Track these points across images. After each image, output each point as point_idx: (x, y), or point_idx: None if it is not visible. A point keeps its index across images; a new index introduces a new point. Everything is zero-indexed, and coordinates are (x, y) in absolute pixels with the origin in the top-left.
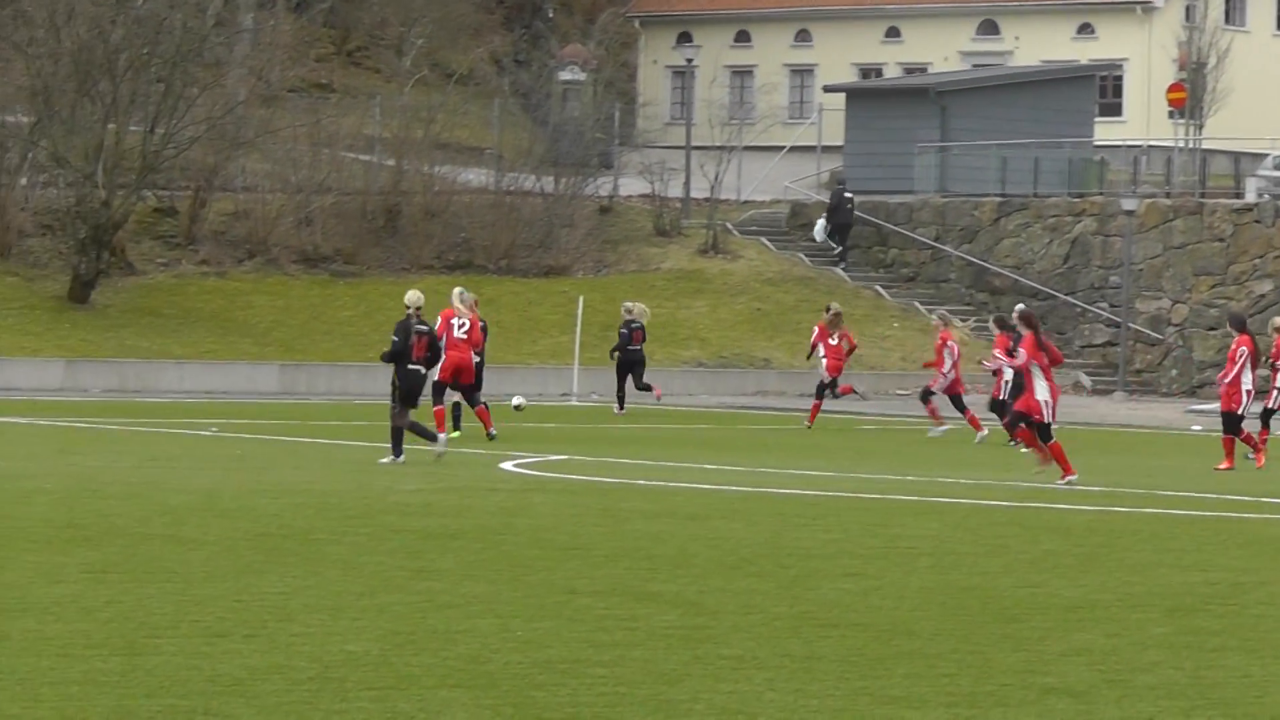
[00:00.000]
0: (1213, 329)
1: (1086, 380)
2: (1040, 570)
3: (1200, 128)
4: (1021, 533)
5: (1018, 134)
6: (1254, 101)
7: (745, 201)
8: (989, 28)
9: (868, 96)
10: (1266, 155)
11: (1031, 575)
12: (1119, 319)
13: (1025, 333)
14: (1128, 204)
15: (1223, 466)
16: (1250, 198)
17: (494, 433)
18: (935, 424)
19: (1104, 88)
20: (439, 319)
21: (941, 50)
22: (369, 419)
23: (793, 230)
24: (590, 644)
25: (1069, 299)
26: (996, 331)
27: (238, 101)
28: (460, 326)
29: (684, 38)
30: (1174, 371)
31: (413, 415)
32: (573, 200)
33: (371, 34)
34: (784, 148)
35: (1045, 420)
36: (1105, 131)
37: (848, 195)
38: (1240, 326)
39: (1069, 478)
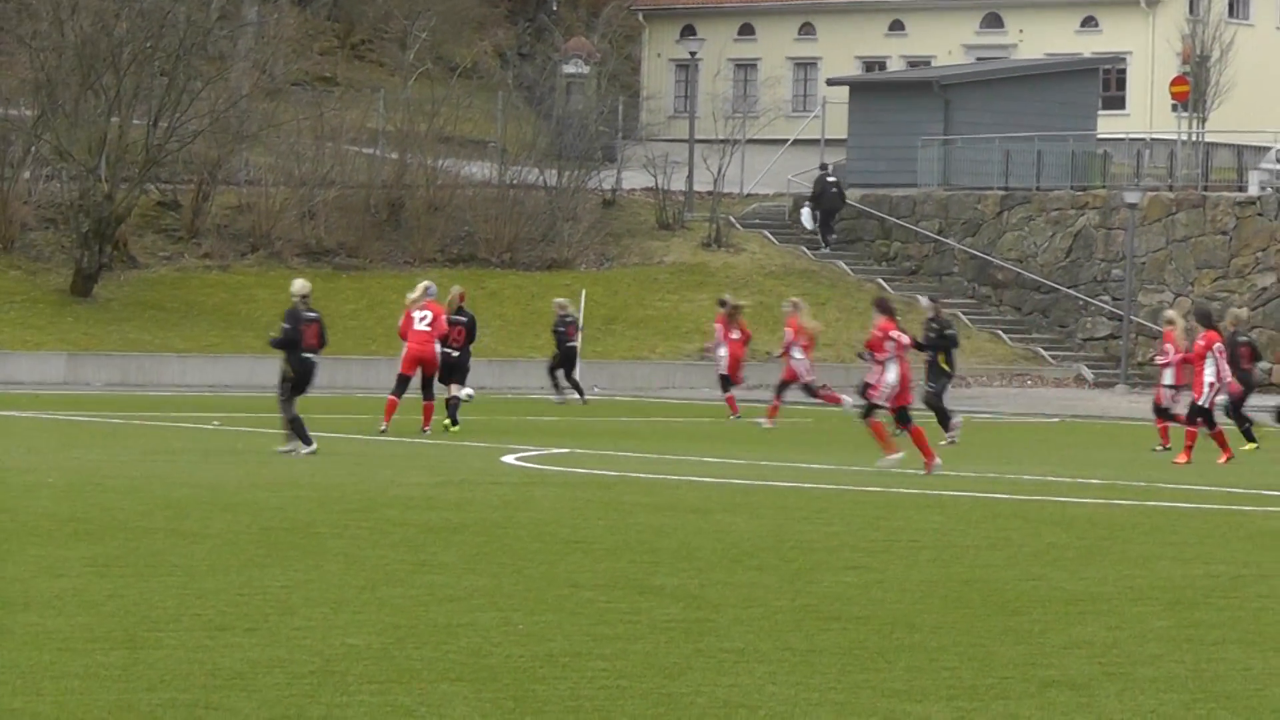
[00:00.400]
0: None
1: (1088, 373)
2: (1042, 563)
3: (1203, 121)
4: (1023, 526)
5: (1021, 127)
6: (1257, 95)
7: (748, 195)
8: (993, 21)
9: (871, 90)
10: (1269, 149)
11: (1033, 568)
12: (1121, 312)
13: (881, 319)
14: (1130, 197)
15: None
16: (1253, 191)
17: (428, 430)
18: (838, 405)
19: (1107, 81)
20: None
21: (945, 44)
22: (371, 412)
23: (795, 224)
24: (592, 637)
25: (1071, 292)
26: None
27: (241, 95)
28: (422, 319)
29: (688, 31)
30: None
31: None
32: (576, 194)
33: (375, 27)
34: (787, 141)
35: (876, 401)
36: (1108, 125)
37: (831, 180)
38: (1207, 322)
39: (892, 457)
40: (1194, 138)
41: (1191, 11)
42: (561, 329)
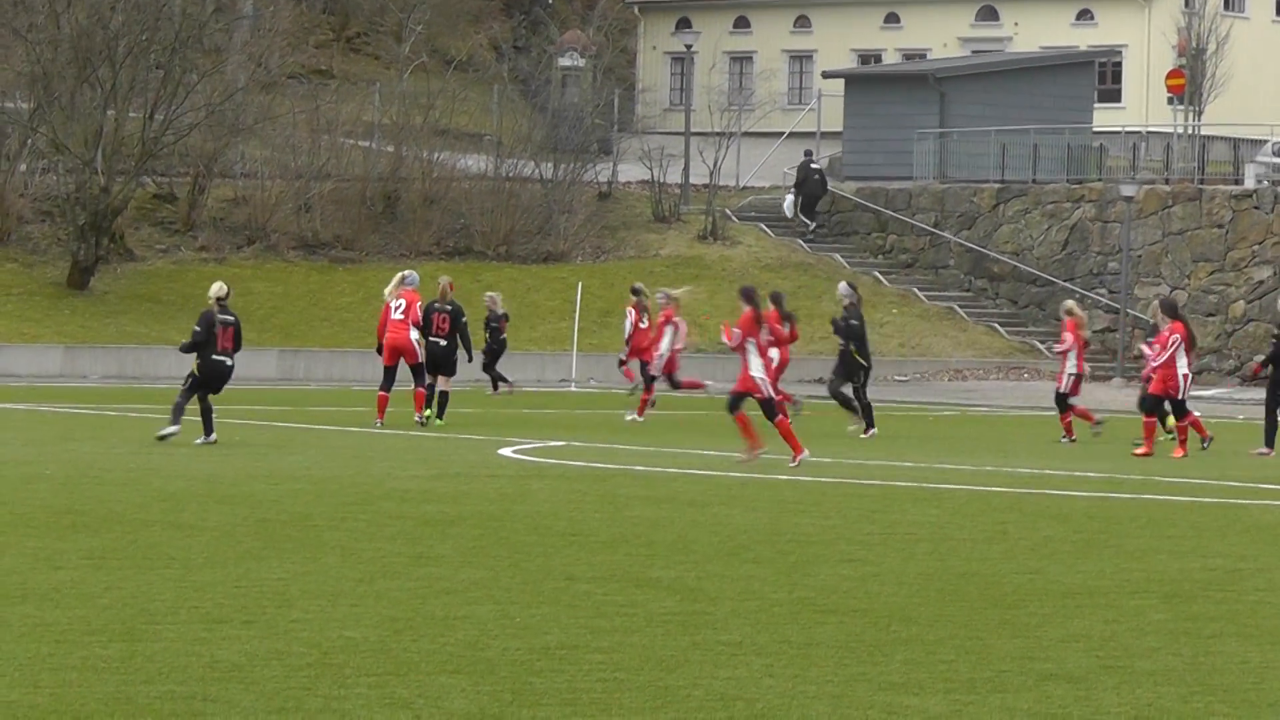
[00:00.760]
0: (1211, 315)
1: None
2: (1039, 556)
3: (1199, 114)
4: (1020, 519)
5: (1017, 120)
6: (1253, 88)
7: (744, 188)
8: (988, 14)
9: (867, 82)
10: (1265, 141)
11: (1030, 561)
12: (1117, 305)
13: (745, 309)
14: (1127, 190)
15: (1141, 452)
16: (1249, 184)
17: (421, 419)
18: (702, 391)
19: (1103, 74)
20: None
21: (941, 36)
22: (367, 405)
23: (793, 217)
24: (589, 630)
25: (1067, 285)
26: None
27: (237, 88)
28: (397, 308)
29: (683, 23)
30: None
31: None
32: (572, 186)
33: (371, 20)
34: (783, 134)
35: (767, 396)
36: (1104, 118)
37: (814, 167)
38: (1173, 313)
39: (800, 456)
40: (1190, 131)
41: (1187, 4)
42: (494, 323)
